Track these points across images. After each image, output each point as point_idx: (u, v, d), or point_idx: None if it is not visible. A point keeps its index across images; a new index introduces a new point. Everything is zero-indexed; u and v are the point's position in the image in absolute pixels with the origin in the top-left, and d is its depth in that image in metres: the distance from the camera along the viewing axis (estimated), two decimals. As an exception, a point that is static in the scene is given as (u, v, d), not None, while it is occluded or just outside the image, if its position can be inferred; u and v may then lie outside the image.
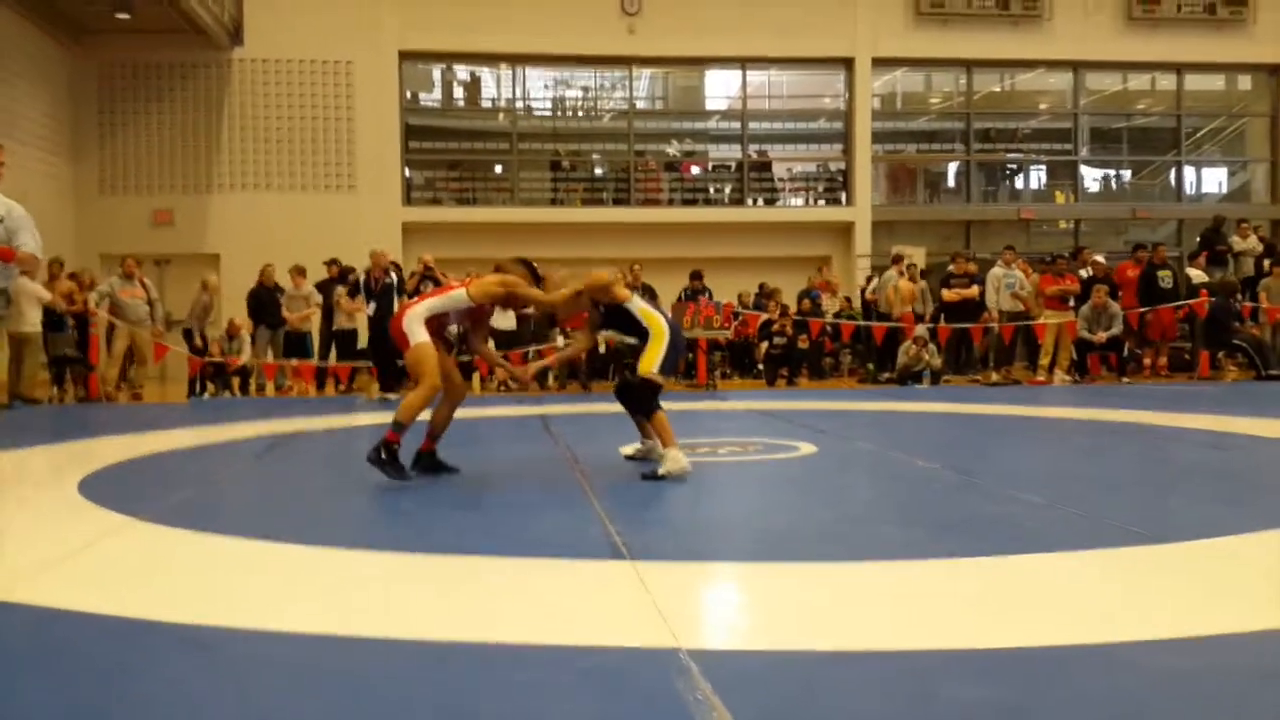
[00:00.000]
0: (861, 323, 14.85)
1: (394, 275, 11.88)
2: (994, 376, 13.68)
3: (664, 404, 5.71)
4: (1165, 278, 13.76)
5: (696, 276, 14.40)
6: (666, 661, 2.47)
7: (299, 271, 13.80)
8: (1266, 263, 14.83)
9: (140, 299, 12.71)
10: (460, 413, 6.08)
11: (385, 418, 5.86)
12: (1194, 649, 2.58)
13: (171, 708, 2.28)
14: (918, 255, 16.48)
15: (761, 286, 15.98)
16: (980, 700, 2.23)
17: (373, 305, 11.75)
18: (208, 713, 2.24)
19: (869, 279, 16.33)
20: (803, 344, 14.28)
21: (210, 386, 13.13)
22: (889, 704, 2.25)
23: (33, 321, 11.71)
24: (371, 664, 2.56)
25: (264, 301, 13.70)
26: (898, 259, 14.97)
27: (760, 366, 14.73)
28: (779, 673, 2.46)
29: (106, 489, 5.27)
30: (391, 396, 11.20)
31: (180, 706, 2.29)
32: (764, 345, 14.43)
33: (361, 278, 12.13)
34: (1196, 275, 14.46)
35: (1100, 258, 14.75)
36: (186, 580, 3.49)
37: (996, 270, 13.95)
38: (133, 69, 17.48)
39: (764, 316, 14.68)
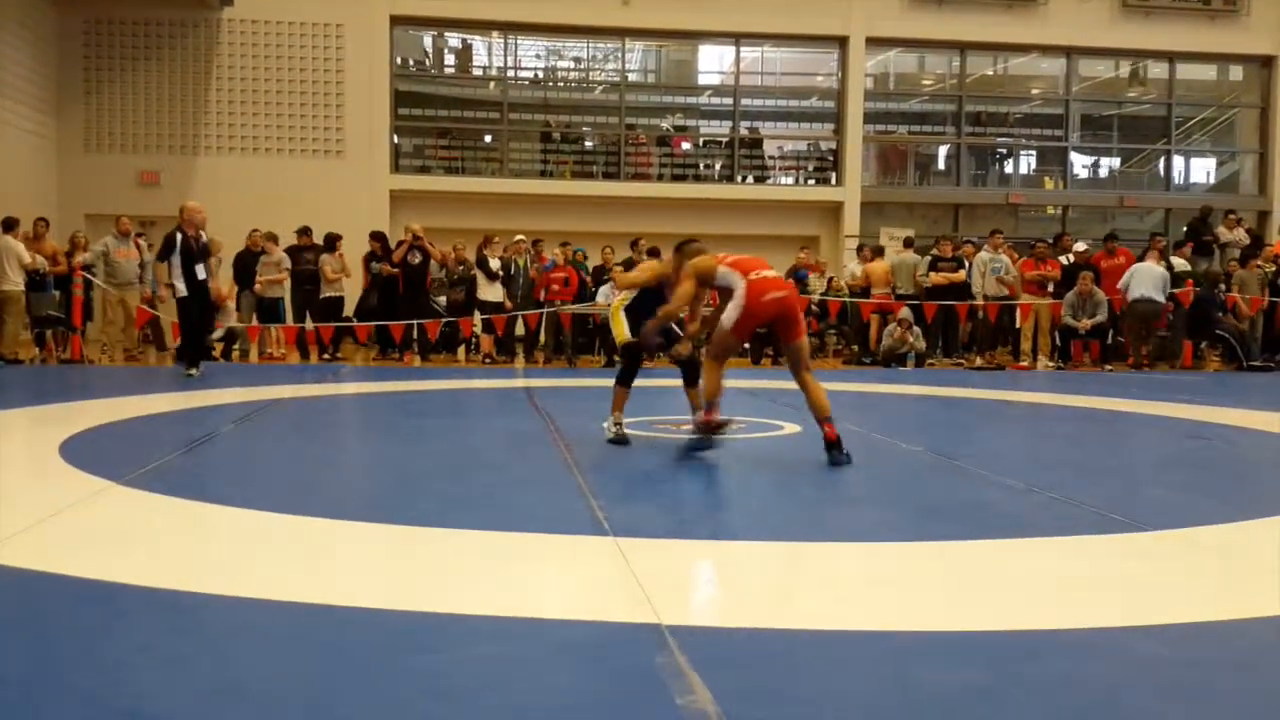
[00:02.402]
0: (849, 299, 14.85)
1: (204, 236, 10.38)
2: (978, 361, 13.74)
3: (650, 380, 5.72)
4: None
5: (652, 253, 14.42)
6: (647, 637, 2.48)
7: (269, 237, 13.70)
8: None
9: (134, 259, 12.60)
10: (444, 384, 6.08)
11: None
12: (1167, 636, 2.61)
13: (146, 671, 2.28)
14: (899, 239, 16.47)
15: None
16: (955, 682, 2.25)
17: (201, 268, 10.21)
18: (182, 676, 2.24)
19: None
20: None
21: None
22: (865, 683, 2.27)
23: (15, 281, 11.64)
24: (348, 633, 2.56)
25: (249, 266, 13.64)
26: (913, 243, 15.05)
27: (745, 345, 14.72)
28: (758, 650, 2.47)
29: (87, 452, 5.25)
30: (194, 372, 10.11)
31: (155, 670, 2.29)
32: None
33: (179, 236, 10.13)
34: (1179, 264, 14.52)
35: (1082, 245, 14.77)
36: (164, 545, 3.48)
37: (983, 255, 13.98)
38: (120, 25, 17.23)
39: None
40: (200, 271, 10.18)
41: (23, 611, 2.73)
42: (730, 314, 5.31)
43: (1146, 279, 13.09)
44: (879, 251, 15.20)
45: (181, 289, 9.99)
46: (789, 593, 2.98)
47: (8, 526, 3.61)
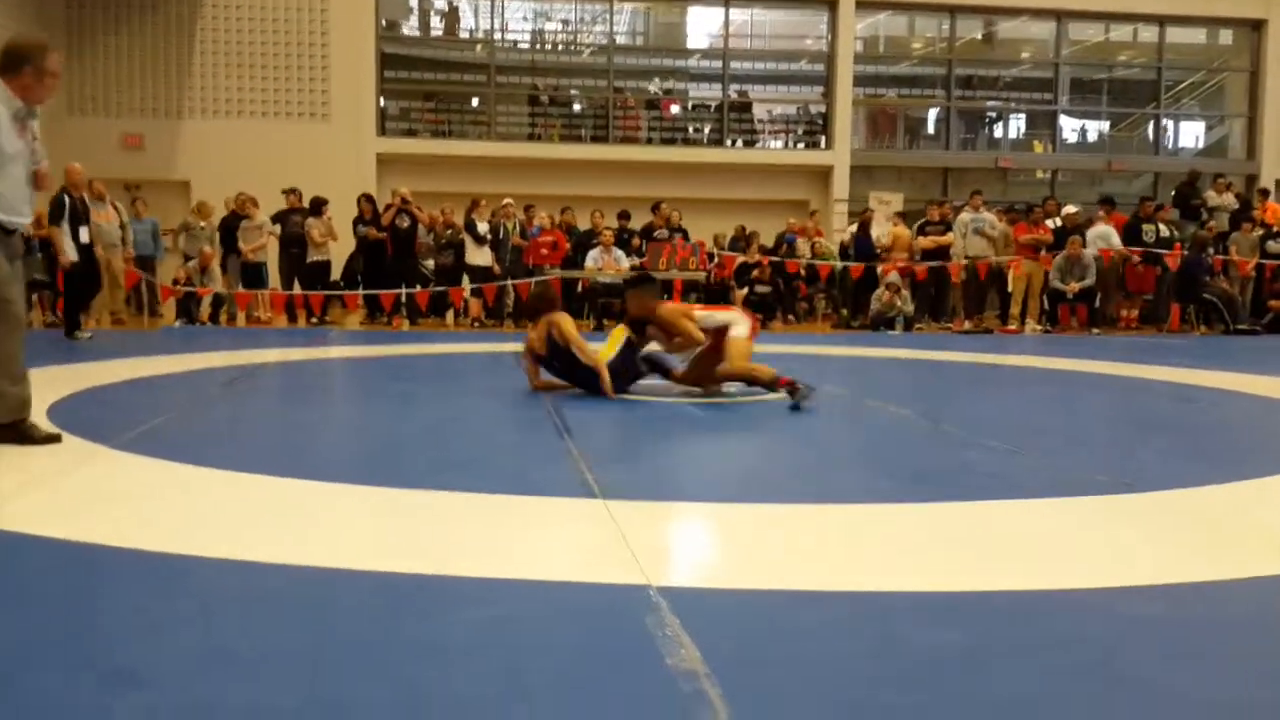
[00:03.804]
0: (838, 264, 14.84)
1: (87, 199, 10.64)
2: (965, 325, 13.77)
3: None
4: (1149, 231, 13.91)
5: (623, 216, 14.42)
6: (636, 598, 2.48)
7: (252, 201, 13.64)
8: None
9: (114, 221, 12.50)
10: (434, 348, 6.06)
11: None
12: (1157, 596, 2.63)
13: (136, 635, 2.28)
14: (895, 201, 16.43)
15: (742, 229, 15.86)
16: (944, 642, 2.27)
17: (85, 231, 10.34)
18: (172, 640, 2.24)
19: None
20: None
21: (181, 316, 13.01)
22: (854, 644, 2.28)
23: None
24: (339, 596, 2.56)
25: (234, 231, 13.57)
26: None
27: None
28: (747, 611, 2.48)
29: (76, 416, 5.22)
30: (84, 335, 10.29)
31: (145, 634, 2.28)
32: (743, 291, 14.36)
33: (67, 199, 10.12)
34: (1161, 229, 14.55)
35: (1073, 207, 14.76)
36: (154, 508, 3.47)
37: (964, 216, 14.01)
38: (102, -14, 17.04)
39: (740, 258, 14.63)
40: (84, 235, 10.21)
41: (11, 575, 2.73)
42: (741, 330, 6.24)
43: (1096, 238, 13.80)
44: (902, 216, 15.21)
45: (72, 254, 9.96)
46: (777, 554, 2.99)
47: (-5, 490, 3.60)
